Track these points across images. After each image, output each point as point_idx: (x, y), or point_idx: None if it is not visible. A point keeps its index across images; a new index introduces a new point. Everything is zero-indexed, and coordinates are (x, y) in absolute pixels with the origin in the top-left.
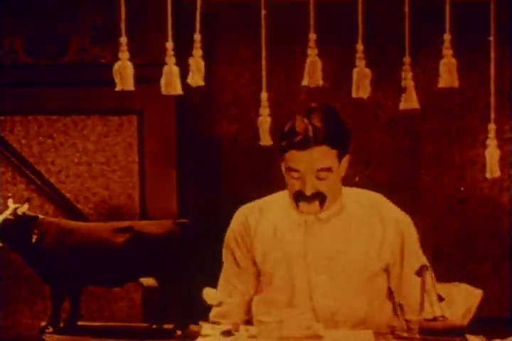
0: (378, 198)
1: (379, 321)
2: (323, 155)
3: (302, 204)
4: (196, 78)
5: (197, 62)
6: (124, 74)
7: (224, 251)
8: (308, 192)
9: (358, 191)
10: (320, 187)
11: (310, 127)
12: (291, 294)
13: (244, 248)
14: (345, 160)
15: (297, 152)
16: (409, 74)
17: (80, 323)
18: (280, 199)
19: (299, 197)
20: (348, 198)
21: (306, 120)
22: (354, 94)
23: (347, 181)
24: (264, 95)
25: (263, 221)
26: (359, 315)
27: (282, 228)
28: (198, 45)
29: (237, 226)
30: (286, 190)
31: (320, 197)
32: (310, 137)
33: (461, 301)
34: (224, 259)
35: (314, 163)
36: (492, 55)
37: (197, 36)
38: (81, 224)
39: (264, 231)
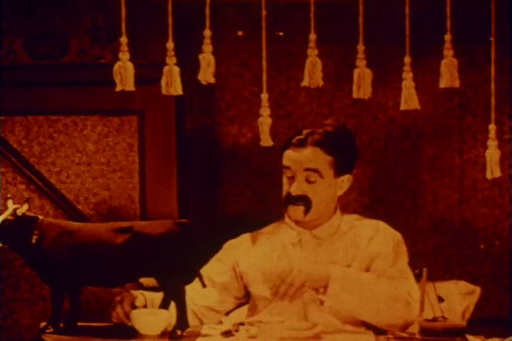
0: (378, 222)
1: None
2: (313, 157)
3: (290, 208)
4: (207, 74)
5: (207, 58)
6: (125, 74)
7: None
8: (293, 191)
9: (372, 221)
10: (307, 191)
11: (312, 132)
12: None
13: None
14: (346, 179)
15: (292, 150)
16: (410, 75)
17: (80, 324)
18: (275, 226)
19: (287, 200)
20: (348, 222)
21: (313, 128)
22: (355, 95)
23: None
24: (264, 96)
25: (256, 246)
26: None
27: (278, 249)
28: (208, 41)
29: (226, 250)
30: (279, 221)
31: (305, 202)
32: (307, 138)
33: (460, 299)
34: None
35: (304, 161)
36: (492, 55)
37: (207, 32)
38: (81, 224)
39: (257, 253)
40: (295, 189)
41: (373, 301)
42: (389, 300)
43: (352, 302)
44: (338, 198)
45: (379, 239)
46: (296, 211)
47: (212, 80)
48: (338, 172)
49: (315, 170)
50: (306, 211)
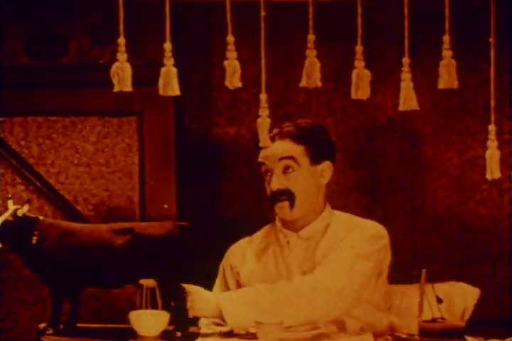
0: (363, 220)
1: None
2: (285, 146)
3: (276, 206)
4: (233, 81)
5: (232, 65)
6: (122, 75)
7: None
8: (274, 186)
9: (359, 219)
10: (287, 184)
11: (280, 128)
12: None
13: (233, 275)
14: (327, 167)
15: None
16: (409, 76)
17: (79, 325)
18: (267, 229)
19: (272, 199)
20: (339, 221)
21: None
22: (353, 96)
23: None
24: (263, 96)
25: (250, 252)
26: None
27: (268, 253)
28: (232, 47)
29: (226, 258)
30: (272, 223)
31: (288, 196)
32: (276, 134)
33: (459, 300)
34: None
35: (277, 152)
36: (492, 56)
37: (230, 38)
38: (81, 225)
39: (251, 259)
40: (275, 183)
41: (296, 303)
42: (303, 295)
43: (276, 315)
44: (327, 196)
45: (355, 234)
46: (282, 208)
47: (239, 85)
48: (314, 160)
49: (291, 158)
50: (291, 205)
